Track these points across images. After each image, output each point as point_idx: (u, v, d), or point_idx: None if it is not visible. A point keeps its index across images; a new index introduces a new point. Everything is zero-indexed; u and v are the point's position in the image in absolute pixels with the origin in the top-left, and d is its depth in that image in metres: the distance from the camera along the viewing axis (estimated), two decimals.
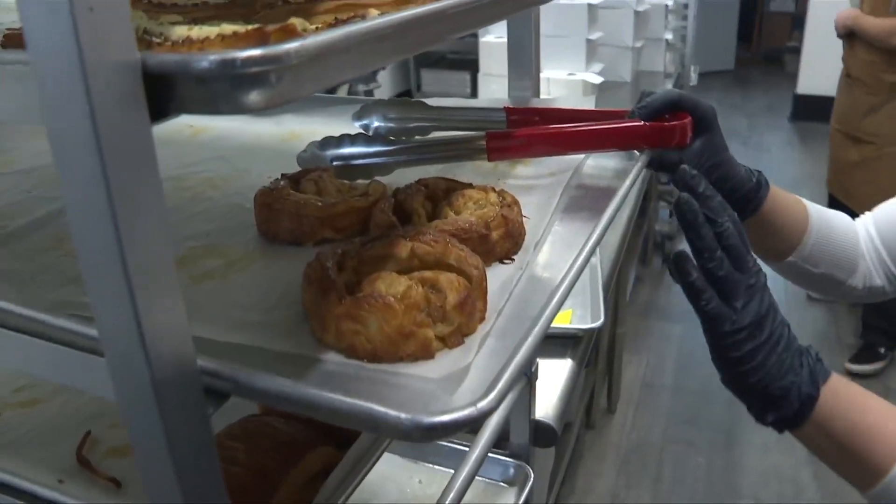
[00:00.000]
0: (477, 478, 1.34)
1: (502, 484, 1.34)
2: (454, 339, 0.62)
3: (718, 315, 0.83)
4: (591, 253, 0.74)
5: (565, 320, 1.78)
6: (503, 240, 0.76)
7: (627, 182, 0.91)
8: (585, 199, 0.86)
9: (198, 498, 0.54)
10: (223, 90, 0.44)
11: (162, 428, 0.51)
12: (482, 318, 0.66)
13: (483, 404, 0.50)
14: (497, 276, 0.74)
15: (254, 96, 0.44)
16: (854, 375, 3.49)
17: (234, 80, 0.43)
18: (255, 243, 0.84)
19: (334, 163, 0.92)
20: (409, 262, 0.67)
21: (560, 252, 0.78)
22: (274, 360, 0.62)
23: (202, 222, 0.90)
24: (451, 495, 1.01)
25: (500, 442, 1.38)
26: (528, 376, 1.31)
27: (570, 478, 2.87)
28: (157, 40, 0.53)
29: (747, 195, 1.08)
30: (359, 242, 0.70)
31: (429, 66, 4.86)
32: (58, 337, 0.59)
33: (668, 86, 3.69)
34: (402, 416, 0.49)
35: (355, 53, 0.52)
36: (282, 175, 0.92)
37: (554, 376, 1.66)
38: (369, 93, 3.97)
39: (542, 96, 1.16)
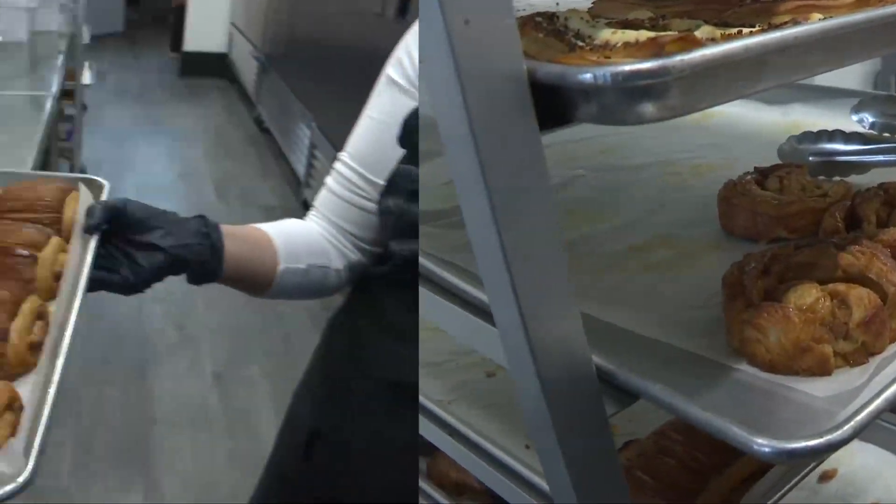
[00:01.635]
0: None
1: None
2: (857, 357, 0.59)
3: None
4: None
5: None
6: None
7: None
8: None
9: (594, 496, 0.58)
10: (606, 102, 0.45)
11: (551, 421, 0.53)
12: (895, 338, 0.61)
13: (833, 436, 0.47)
14: None
15: (640, 109, 0.44)
16: None
17: (614, 93, 0.44)
18: (711, 237, 0.86)
19: (810, 158, 0.89)
20: (833, 272, 0.64)
21: None
22: (679, 358, 0.63)
23: (673, 210, 0.94)
24: None
25: None
26: None
27: None
28: (581, 43, 0.56)
29: None
30: (792, 247, 0.68)
31: None
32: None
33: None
34: (755, 439, 0.48)
35: (772, 66, 0.49)
36: (754, 168, 0.91)
37: None
38: None
39: None
